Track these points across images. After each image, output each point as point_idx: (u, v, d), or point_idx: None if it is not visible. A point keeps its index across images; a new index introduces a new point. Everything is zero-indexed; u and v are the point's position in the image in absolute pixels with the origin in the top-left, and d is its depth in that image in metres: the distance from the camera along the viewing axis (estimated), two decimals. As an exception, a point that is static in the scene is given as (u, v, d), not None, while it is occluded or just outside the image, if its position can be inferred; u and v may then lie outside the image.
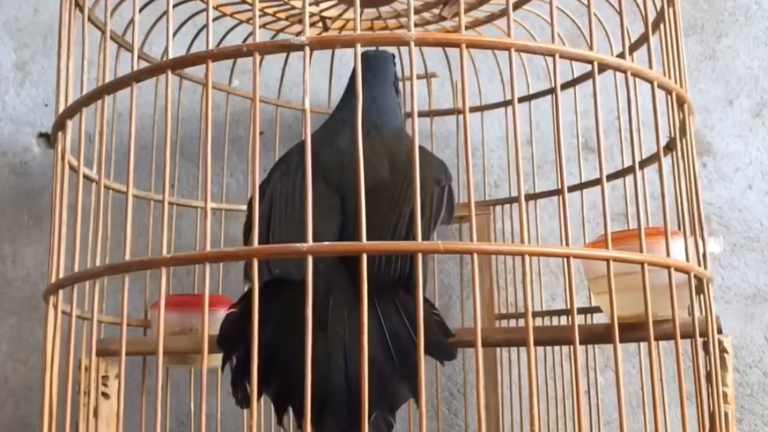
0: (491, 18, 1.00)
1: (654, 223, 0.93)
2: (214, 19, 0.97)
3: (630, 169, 0.83)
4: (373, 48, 0.83)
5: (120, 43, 0.94)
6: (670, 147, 0.74)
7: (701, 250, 0.70)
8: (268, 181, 0.75)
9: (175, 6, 0.85)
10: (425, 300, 0.67)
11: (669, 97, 0.68)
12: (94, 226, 0.78)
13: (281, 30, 1.02)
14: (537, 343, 0.62)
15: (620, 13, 0.66)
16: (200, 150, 1.08)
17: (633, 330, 0.65)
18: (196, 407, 0.95)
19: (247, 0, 0.95)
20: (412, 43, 0.55)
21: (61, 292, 0.66)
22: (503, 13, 0.97)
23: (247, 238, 0.74)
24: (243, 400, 0.65)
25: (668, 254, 0.61)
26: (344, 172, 0.73)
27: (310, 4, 0.94)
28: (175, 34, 0.87)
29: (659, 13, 0.77)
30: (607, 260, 0.57)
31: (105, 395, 0.81)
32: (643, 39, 0.79)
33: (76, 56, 0.73)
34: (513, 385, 0.98)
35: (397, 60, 0.87)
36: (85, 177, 0.80)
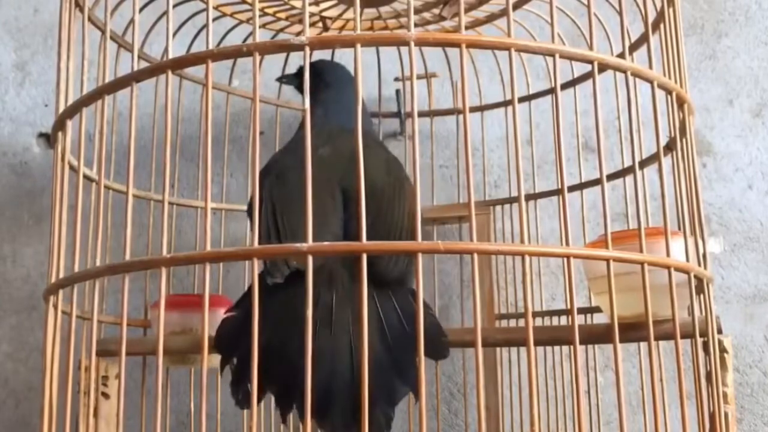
0: (491, 18, 1.00)
1: (654, 223, 0.93)
2: (214, 19, 0.97)
3: (630, 169, 0.83)
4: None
5: (120, 43, 0.94)
6: (670, 147, 0.74)
7: (701, 250, 0.70)
8: (262, 186, 0.75)
9: (175, 6, 0.85)
10: (411, 292, 0.69)
11: (669, 97, 0.68)
12: (94, 226, 0.78)
13: (281, 30, 1.02)
14: (537, 343, 0.62)
15: (620, 13, 0.66)
16: (200, 150, 1.08)
17: (633, 330, 0.65)
18: (196, 407, 0.95)
19: (247, 0, 0.95)
20: (412, 43, 0.55)
21: (61, 292, 0.66)
22: (503, 13, 0.97)
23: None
24: (243, 401, 0.65)
25: (668, 254, 0.61)
26: (347, 168, 0.74)
27: (310, 4, 0.94)
28: (175, 34, 0.87)
29: (659, 13, 0.77)
30: (607, 260, 0.57)
31: (105, 395, 0.81)
32: (643, 39, 0.79)
33: (76, 56, 0.73)
34: (513, 385, 0.98)
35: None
36: (85, 177, 0.80)
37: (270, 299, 0.61)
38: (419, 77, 1.06)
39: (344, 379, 0.63)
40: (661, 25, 0.75)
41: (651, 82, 0.64)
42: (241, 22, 1.00)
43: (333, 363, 0.63)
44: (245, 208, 1.04)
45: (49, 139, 1.14)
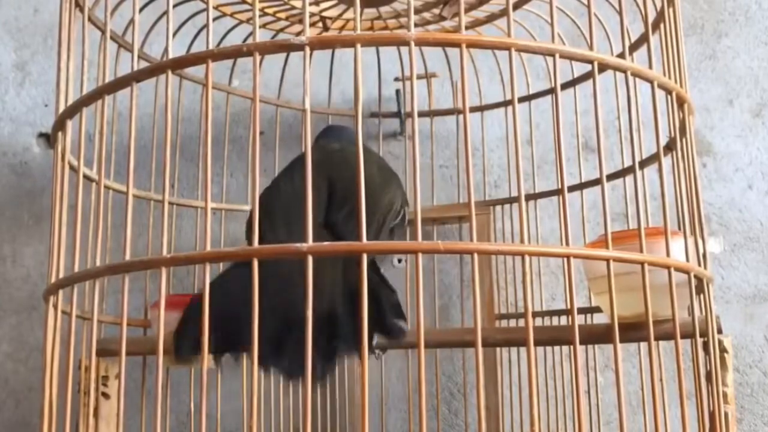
0: (491, 18, 1.00)
1: (654, 223, 0.93)
2: (214, 19, 0.97)
3: (630, 169, 0.83)
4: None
5: (120, 43, 0.94)
6: (670, 147, 0.74)
7: (701, 250, 0.70)
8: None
9: (175, 6, 0.85)
10: (382, 278, 0.69)
11: (669, 97, 0.68)
12: (94, 226, 0.78)
13: (281, 30, 1.02)
14: (537, 343, 0.62)
15: (620, 13, 0.66)
16: (200, 150, 1.08)
17: (633, 330, 0.65)
18: (196, 407, 0.95)
19: (247, 0, 0.95)
20: (412, 43, 0.55)
21: (61, 292, 0.66)
22: (503, 13, 0.97)
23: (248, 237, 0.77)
24: (186, 351, 0.65)
25: (668, 254, 0.61)
26: (334, 165, 0.77)
27: (310, 4, 0.94)
28: (175, 34, 0.87)
29: (659, 13, 0.77)
30: (607, 260, 0.57)
31: (105, 395, 0.81)
32: (643, 39, 0.79)
33: (76, 56, 0.73)
34: (513, 385, 0.98)
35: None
36: (85, 177, 0.80)
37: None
38: (419, 77, 1.06)
39: (298, 327, 0.62)
40: (661, 25, 0.75)
41: (651, 82, 0.64)
42: (241, 22, 1.00)
43: (285, 313, 0.63)
44: (245, 208, 1.05)
45: (49, 139, 1.14)
